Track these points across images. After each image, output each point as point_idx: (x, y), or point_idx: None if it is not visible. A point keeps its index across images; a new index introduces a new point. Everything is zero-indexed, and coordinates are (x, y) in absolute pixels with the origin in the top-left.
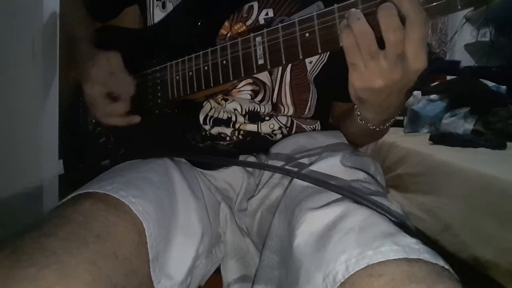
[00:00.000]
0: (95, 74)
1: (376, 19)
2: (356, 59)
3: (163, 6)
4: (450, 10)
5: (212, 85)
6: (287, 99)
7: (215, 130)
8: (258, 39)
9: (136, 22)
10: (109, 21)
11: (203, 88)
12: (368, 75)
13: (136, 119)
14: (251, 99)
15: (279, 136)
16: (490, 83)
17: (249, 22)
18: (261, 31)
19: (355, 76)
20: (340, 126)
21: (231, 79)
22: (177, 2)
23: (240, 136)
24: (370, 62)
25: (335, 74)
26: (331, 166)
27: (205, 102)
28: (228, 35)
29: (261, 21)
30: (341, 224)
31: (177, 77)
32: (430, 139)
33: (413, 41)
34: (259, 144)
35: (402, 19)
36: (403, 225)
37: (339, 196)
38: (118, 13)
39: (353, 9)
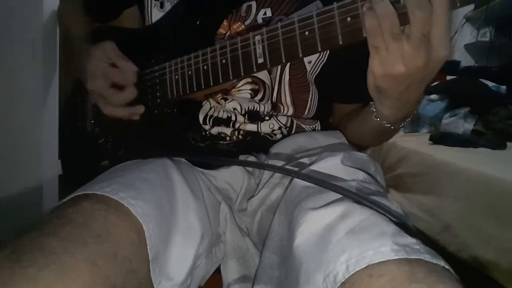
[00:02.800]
0: (94, 68)
1: (399, 6)
2: (378, 41)
3: (161, 5)
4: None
5: (211, 84)
6: (287, 98)
7: (215, 130)
8: (258, 37)
9: (136, 22)
10: (108, 22)
11: (203, 87)
12: (390, 59)
13: (141, 109)
14: (250, 98)
15: (279, 136)
16: (490, 83)
17: (247, 22)
18: (261, 30)
19: (376, 60)
20: (345, 127)
21: (231, 78)
22: (175, 2)
23: (240, 136)
24: (392, 45)
25: (336, 73)
26: (331, 166)
27: (205, 101)
28: (227, 34)
29: (260, 21)
30: (341, 224)
31: (176, 77)
32: (430, 139)
33: (439, 24)
34: (259, 144)
35: None
36: (404, 225)
37: (339, 196)
38: (118, 15)
39: None
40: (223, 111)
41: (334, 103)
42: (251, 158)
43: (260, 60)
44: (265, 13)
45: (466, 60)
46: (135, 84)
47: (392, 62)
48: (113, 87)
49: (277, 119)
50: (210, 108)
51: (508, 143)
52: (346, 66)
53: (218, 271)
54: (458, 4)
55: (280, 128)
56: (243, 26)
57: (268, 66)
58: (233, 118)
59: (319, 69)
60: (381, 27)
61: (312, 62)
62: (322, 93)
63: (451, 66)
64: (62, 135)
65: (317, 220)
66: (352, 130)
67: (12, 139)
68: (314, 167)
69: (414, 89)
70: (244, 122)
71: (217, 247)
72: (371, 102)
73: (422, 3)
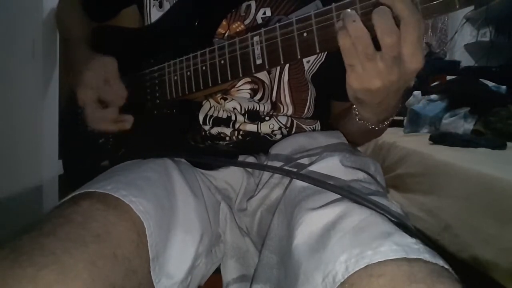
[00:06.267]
0: (89, 79)
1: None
2: (354, 61)
3: (160, 5)
4: (448, 9)
5: (210, 85)
6: (286, 98)
7: (215, 130)
8: (256, 38)
9: (136, 22)
10: (106, 21)
11: (202, 88)
12: (366, 76)
13: (127, 125)
14: (250, 97)
15: (278, 136)
16: (490, 83)
17: (247, 21)
18: (259, 31)
19: (353, 77)
20: (339, 125)
21: (229, 79)
22: (174, 1)
23: (240, 136)
24: (367, 64)
25: (333, 73)
26: (331, 166)
27: (204, 101)
28: (226, 34)
29: (259, 20)
30: (341, 224)
31: (175, 77)
32: (430, 139)
33: (408, 42)
34: (258, 144)
35: (397, 20)
36: (403, 225)
37: (339, 196)
38: (116, 13)
39: (348, 10)
40: (223, 111)
41: (331, 101)
42: (251, 159)
43: (259, 61)
44: (264, 13)
45: (466, 60)
46: (120, 107)
47: (368, 78)
48: (100, 102)
49: (277, 119)
50: (210, 108)
51: (508, 143)
52: (343, 65)
53: (218, 271)
54: (457, 6)
55: (280, 128)
56: (242, 26)
57: (267, 67)
58: (233, 118)
59: (316, 68)
60: (355, 47)
61: (311, 61)
62: (319, 91)
63: (451, 66)
64: (62, 135)
65: (316, 220)
66: (343, 128)
67: (12, 139)
68: (313, 167)
69: (391, 97)
70: (244, 122)
71: (217, 247)
72: (353, 106)
73: (389, 29)
